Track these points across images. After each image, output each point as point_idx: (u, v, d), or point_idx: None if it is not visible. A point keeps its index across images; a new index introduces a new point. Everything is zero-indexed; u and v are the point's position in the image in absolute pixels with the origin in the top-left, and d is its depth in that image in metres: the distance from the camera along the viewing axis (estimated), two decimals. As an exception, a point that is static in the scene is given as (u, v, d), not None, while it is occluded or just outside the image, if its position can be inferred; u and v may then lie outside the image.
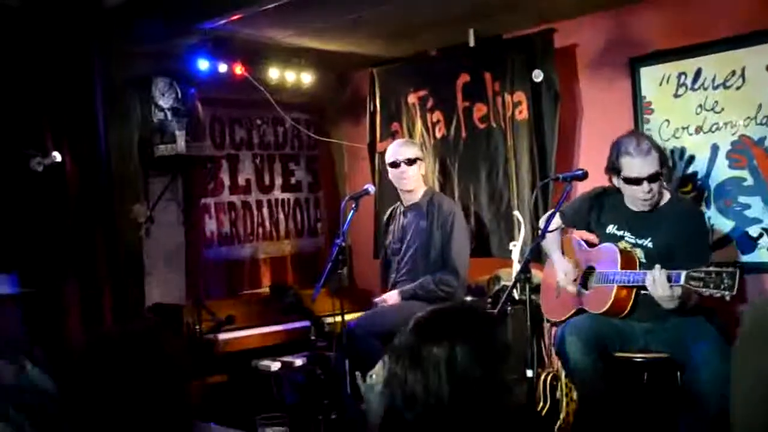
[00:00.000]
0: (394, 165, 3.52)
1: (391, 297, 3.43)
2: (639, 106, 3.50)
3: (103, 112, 3.60)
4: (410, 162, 3.48)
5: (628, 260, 2.76)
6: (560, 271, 2.95)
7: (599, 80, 3.67)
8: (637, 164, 2.69)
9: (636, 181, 2.72)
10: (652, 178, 2.70)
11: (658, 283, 2.52)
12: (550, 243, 3.00)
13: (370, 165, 4.42)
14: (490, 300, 3.59)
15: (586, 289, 2.90)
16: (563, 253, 3.05)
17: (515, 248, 3.64)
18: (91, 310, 3.53)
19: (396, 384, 1.31)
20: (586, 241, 3.04)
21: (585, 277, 2.94)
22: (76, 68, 3.56)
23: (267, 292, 4.31)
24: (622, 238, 2.85)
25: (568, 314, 2.94)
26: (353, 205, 3.22)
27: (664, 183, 2.83)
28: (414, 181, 3.50)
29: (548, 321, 3.19)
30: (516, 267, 3.57)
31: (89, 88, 3.58)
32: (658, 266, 2.54)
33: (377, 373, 1.56)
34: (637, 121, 3.51)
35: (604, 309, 2.77)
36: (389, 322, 3.16)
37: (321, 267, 3.31)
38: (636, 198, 2.76)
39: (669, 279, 2.50)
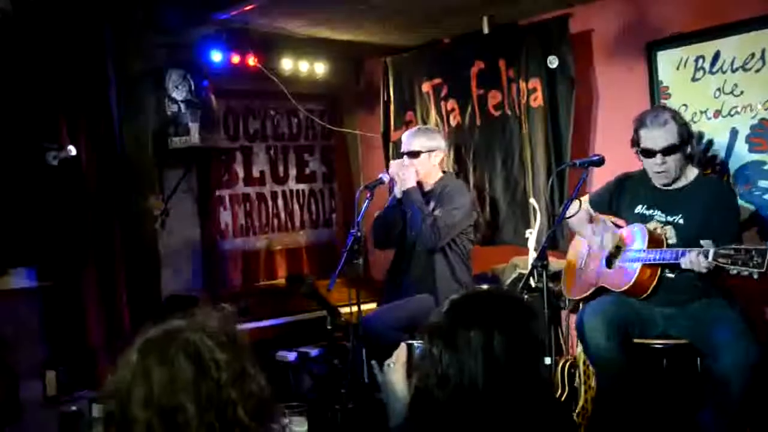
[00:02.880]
0: (400, 155, 3.53)
1: (406, 180, 3.35)
2: (656, 91, 3.47)
3: (118, 105, 3.61)
4: (414, 155, 3.43)
5: (655, 240, 2.73)
6: (597, 237, 2.89)
7: (615, 65, 3.64)
8: (651, 135, 2.69)
9: (649, 153, 2.70)
10: (666, 151, 2.67)
11: (695, 264, 2.51)
12: (579, 222, 2.96)
13: (384, 154, 4.43)
14: (506, 288, 3.60)
15: (610, 267, 2.86)
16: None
17: (531, 236, 3.63)
18: (108, 302, 3.55)
19: (430, 363, 1.31)
20: (614, 223, 3.00)
21: (610, 257, 2.90)
22: (91, 61, 3.57)
23: (283, 282, 4.34)
24: (651, 217, 2.81)
25: (589, 291, 2.92)
26: (368, 195, 3.21)
27: (689, 160, 2.78)
28: (423, 173, 3.46)
29: (568, 300, 3.18)
30: (532, 254, 3.57)
31: (104, 80, 3.59)
32: (689, 254, 2.51)
33: (395, 360, 1.56)
34: (654, 103, 3.46)
35: (626, 287, 2.73)
36: (407, 313, 3.19)
37: (336, 258, 3.35)
38: (652, 171, 2.75)
39: (706, 255, 2.49)
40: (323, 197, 4.79)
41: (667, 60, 3.43)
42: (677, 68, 3.40)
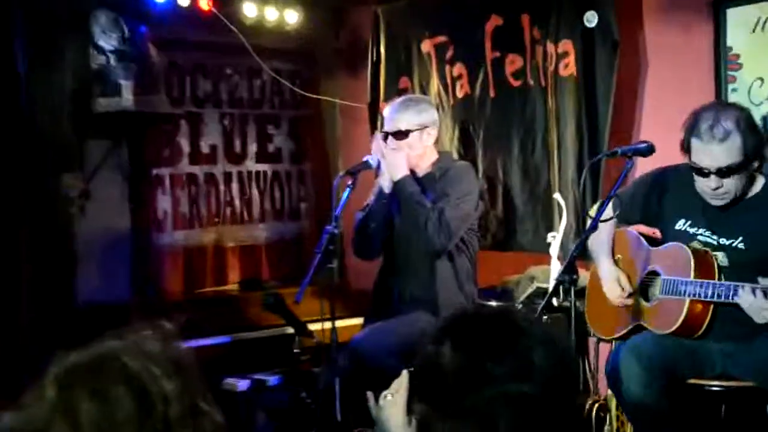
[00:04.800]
0: (384, 137, 3.46)
1: (396, 168, 3.32)
2: (723, 61, 3.41)
3: (26, 56, 3.57)
4: (401, 135, 3.39)
5: (703, 266, 2.69)
6: (608, 280, 2.90)
7: (671, 26, 3.60)
8: (705, 151, 2.62)
9: (702, 173, 2.66)
10: (723, 173, 2.62)
11: (754, 309, 2.49)
12: (597, 241, 2.91)
13: (370, 130, 4.38)
14: (521, 306, 3.58)
15: (648, 301, 2.84)
16: (613, 252, 2.97)
17: (554, 241, 3.60)
18: (4, 311, 3.54)
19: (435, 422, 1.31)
20: (647, 237, 2.96)
21: (645, 285, 2.87)
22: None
23: (235, 289, 4.37)
24: (694, 237, 2.77)
25: (622, 331, 2.90)
26: (350, 182, 3.19)
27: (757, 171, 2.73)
28: (414, 157, 3.42)
29: (595, 337, 3.17)
30: (555, 264, 3.53)
31: (6, 23, 3.54)
32: (743, 292, 2.49)
33: (395, 391, 1.60)
34: (720, 79, 3.42)
35: (673, 328, 2.72)
36: (402, 337, 3.16)
37: (305, 260, 3.51)
38: (703, 191, 2.71)
39: (766, 295, 2.47)
40: (290, 182, 4.79)
41: (738, 20, 3.39)
42: (752, 30, 3.36)
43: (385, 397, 1.61)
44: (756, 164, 2.67)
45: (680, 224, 2.80)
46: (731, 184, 2.65)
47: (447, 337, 1.32)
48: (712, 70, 3.45)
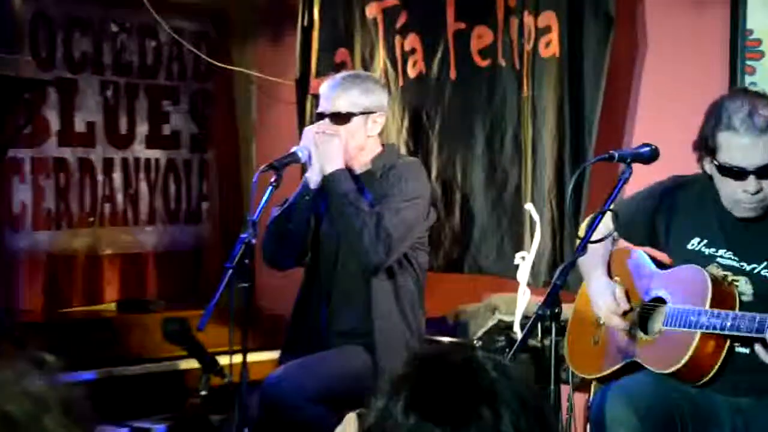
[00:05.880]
0: (320, 118, 3.50)
1: (329, 158, 3.33)
2: (740, 46, 3.45)
3: None
4: (340, 119, 3.42)
5: (723, 297, 2.70)
6: (600, 294, 2.90)
7: (679, 3, 3.63)
8: (742, 146, 2.64)
9: (738, 173, 2.67)
10: (764, 172, 2.64)
11: None
12: (591, 257, 2.90)
13: (298, 113, 4.37)
14: (479, 342, 3.61)
15: (646, 333, 2.84)
16: (610, 273, 3.00)
17: (523, 263, 3.56)
18: None
19: None
20: (653, 259, 2.99)
21: (646, 314, 2.88)
22: None
23: (112, 310, 4.31)
24: (712, 259, 2.79)
25: (611, 369, 2.91)
26: (273, 179, 3.14)
27: None
28: (354, 147, 3.45)
29: (578, 377, 3.19)
30: (523, 293, 3.51)
31: None
32: None
33: None
34: (735, 68, 3.46)
35: (676, 367, 2.71)
36: (328, 376, 3.21)
37: (204, 274, 3.55)
38: (735, 199, 2.72)
39: None
40: (190, 174, 4.77)
41: None
42: None
43: None
44: None
45: (694, 243, 2.82)
46: None
47: (400, 393, 1.32)
48: (727, 57, 3.46)
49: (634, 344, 2.85)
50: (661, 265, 2.95)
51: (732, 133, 2.62)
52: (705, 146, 2.69)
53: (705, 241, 2.80)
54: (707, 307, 2.67)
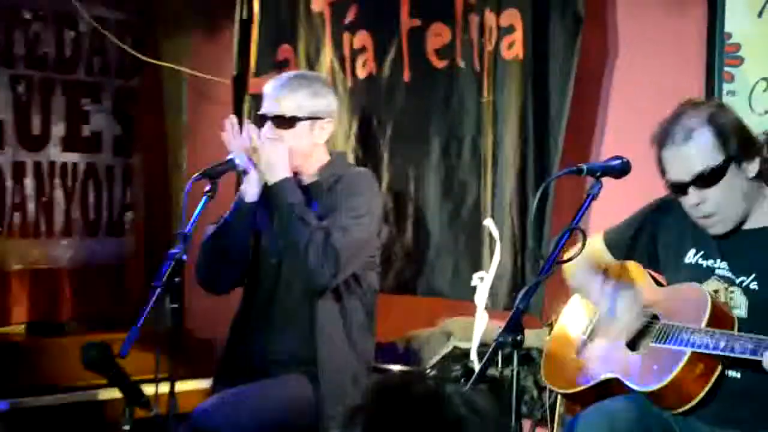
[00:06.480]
0: (260, 122, 3.45)
1: (274, 166, 3.31)
2: (717, 51, 3.48)
3: None
4: (286, 122, 3.40)
5: (720, 315, 2.73)
6: (606, 300, 2.93)
7: (652, 4, 3.65)
8: (672, 160, 2.75)
9: (677, 188, 2.77)
10: (701, 180, 2.72)
11: None
12: (583, 272, 3.01)
13: (234, 115, 4.14)
14: (432, 372, 3.65)
15: (634, 350, 2.87)
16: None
17: (482, 284, 3.61)
18: None
19: None
20: (651, 276, 3.03)
21: (637, 332, 2.91)
22: None
23: (21, 332, 4.36)
24: (710, 271, 2.83)
25: (588, 384, 2.92)
26: (207, 188, 3.12)
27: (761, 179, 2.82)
28: (300, 155, 3.42)
29: (540, 411, 3.33)
30: (481, 317, 3.54)
31: None
32: None
33: None
34: (712, 75, 3.48)
35: (660, 385, 2.72)
36: (266, 409, 3.20)
37: (127, 294, 3.53)
38: (692, 217, 2.81)
39: None
40: (112, 181, 4.76)
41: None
42: (759, 14, 3.41)
43: None
44: (749, 164, 2.75)
45: (691, 256, 2.87)
46: (718, 196, 2.72)
47: (356, 425, 1.35)
48: (704, 63, 3.50)
49: (618, 359, 2.86)
50: (658, 282, 2.99)
51: (665, 148, 2.72)
52: (659, 168, 2.78)
53: (702, 252, 2.84)
54: (703, 325, 2.69)
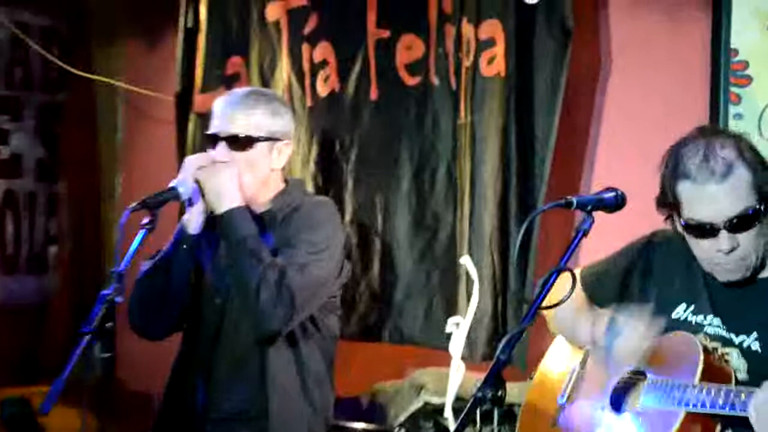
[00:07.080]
0: (212, 141, 3.39)
1: (223, 194, 3.31)
2: (723, 70, 3.52)
3: None
4: (239, 144, 3.36)
5: (713, 370, 2.70)
6: (603, 339, 2.86)
7: (651, 13, 3.70)
8: (703, 197, 2.70)
9: (704, 231, 2.71)
10: (737, 225, 2.68)
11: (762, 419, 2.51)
12: (572, 316, 2.98)
13: (177, 135, 4.38)
14: (401, 430, 3.71)
15: (619, 411, 2.85)
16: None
17: (458, 330, 3.63)
18: None
19: None
20: None
21: (620, 389, 2.89)
22: None
23: None
24: (700, 328, 2.82)
25: None
26: (146, 221, 3.07)
27: None
28: (253, 181, 3.38)
29: None
30: (456, 367, 3.56)
31: None
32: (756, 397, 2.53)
33: None
34: (717, 96, 3.53)
35: None
36: None
37: (51, 339, 3.34)
38: (709, 260, 2.76)
39: None
40: (34, 210, 4.82)
41: (746, 10, 3.50)
42: (767, 27, 3.47)
43: None
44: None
45: (680, 310, 2.85)
46: (749, 243, 2.68)
47: None
48: (708, 83, 3.54)
49: (602, 425, 2.85)
50: None
51: (689, 182, 2.67)
52: (665, 203, 2.74)
53: (692, 307, 2.84)
54: (697, 381, 2.67)
